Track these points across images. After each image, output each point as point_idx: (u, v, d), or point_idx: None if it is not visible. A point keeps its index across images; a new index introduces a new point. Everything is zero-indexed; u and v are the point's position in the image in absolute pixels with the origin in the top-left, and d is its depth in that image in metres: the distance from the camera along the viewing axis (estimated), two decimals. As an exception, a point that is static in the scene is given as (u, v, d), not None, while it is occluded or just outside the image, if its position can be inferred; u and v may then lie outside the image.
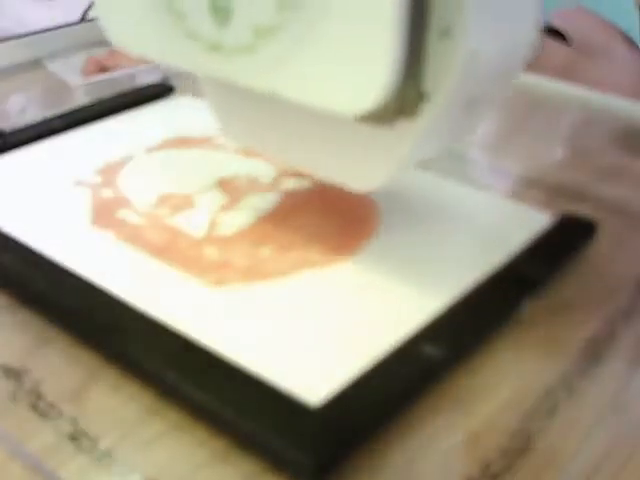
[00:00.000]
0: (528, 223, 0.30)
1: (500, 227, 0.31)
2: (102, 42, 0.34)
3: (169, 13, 0.25)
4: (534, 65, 0.57)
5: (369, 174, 0.26)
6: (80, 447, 0.21)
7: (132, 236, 0.30)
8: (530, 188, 0.35)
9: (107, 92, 0.42)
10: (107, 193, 0.33)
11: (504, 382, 0.24)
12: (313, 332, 0.25)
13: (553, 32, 0.60)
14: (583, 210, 0.31)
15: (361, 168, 0.26)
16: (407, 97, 0.22)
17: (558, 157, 0.39)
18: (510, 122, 0.44)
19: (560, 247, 0.29)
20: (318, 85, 0.22)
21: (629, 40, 0.63)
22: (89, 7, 0.58)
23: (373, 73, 0.21)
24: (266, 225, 0.31)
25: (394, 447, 0.21)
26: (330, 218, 0.31)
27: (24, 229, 0.30)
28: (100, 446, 0.21)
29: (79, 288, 0.27)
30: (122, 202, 0.32)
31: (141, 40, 0.27)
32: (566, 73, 0.55)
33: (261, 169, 0.35)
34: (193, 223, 0.31)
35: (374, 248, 0.29)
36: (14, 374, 0.24)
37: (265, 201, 0.32)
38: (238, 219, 0.31)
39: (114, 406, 0.23)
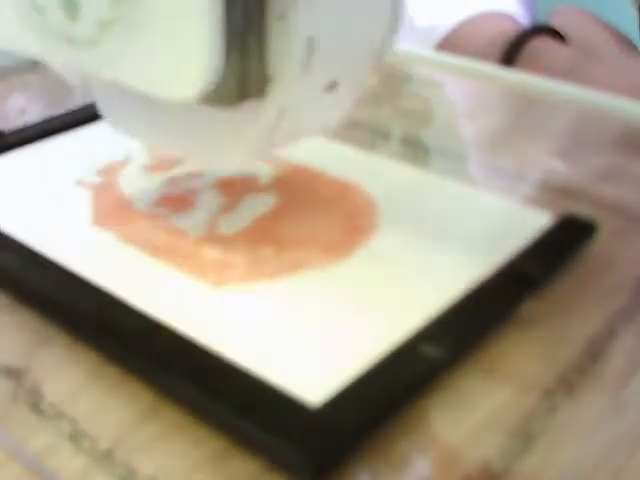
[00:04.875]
0: (528, 223, 0.30)
1: (500, 227, 0.31)
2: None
3: (32, 8, 0.26)
4: (535, 65, 0.57)
5: (230, 156, 0.28)
6: (80, 447, 0.21)
7: (132, 236, 0.30)
8: (530, 188, 0.35)
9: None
10: (107, 193, 0.33)
11: (504, 382, 0.24)
12: (313, 332, 0.25)
13: (551, 32, 0.60)
14: (583, 210, 0.31)
15: (223, 150, 0.28)
16: (251, 79, 0.24)
17: (558, 157, 0.39)
18: (510, 122, 0.44)
19: (560, 247, 0.29)
20: (152, 74, 0.24)
21: (626, 39, 0.63)
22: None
23: (194, 62, 0.23)
24: (266, 225, 0.31)
25: (394, 447, 0.21)
26: (330, 218, 0.31)
27: (24, 229, 0.30)
28: (100, 446, 0.21)
29: (79, 288, 0.27)
30: (122, 202, 0.32)
31: (10, 35, 0.28)
32: (566, 73, 0.55)
33: (261, 169, 0.35)
34: (193, 223, 0.31)
35: (374, 248, 0.29)
36: (14, 374, 0.24)
37: (265, 201, 0.32)
38: (238, 219, 0.31)
39: (114, 406, 0.23)
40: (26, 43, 0.27)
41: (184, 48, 0.23)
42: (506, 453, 0.21)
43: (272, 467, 0.21)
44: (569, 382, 0.24)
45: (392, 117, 0.43)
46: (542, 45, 0.59)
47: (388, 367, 0.23)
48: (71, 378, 0.24)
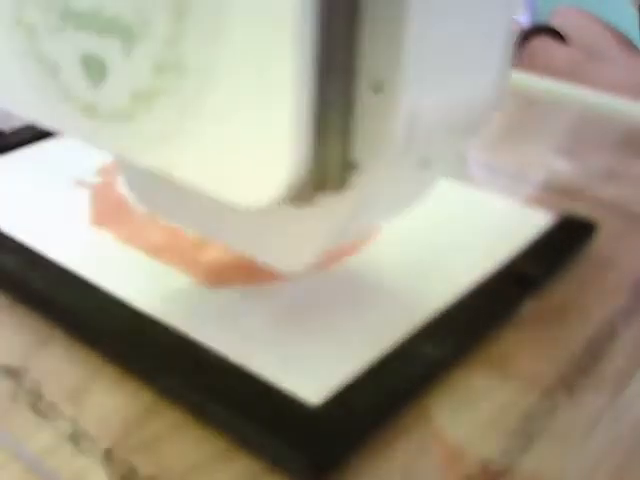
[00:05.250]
0: (528, 223, 0.30)
1: (500, 227, 0.31)
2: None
3: (38, 62, 0.20)
4: (534, 64, 0.57)
5: (295, 253, 0.22)
6: (80, 447, 0.21)
7: (132, 236, 0.30)
8: (530, 188, 0.35)
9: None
10: (106, 193, 0.33)
11: (504, 382, 0.24)
12: (313, 332, 0.25)
13: (551, 32, 0.60)
14: (583, 210, 0.31)
15: (285, 246, 0.22)
16: (330, 169, 0.18)
17: (558, 157, 0.39)
18: (510, 122, 0.44)
19: (560, 247, 0.29)
20: (207, 167, 0.18)
21: (626, 39, 0.63)
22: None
23: (271, 159, 0.17)
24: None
25: (394, 447, 0.21)
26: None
27: (24, 229, 0.30)
28: (100, 446, 0.21)
29: (79, 288, 0.27)
30: (121, 202, 0.32)
31: (7, 92, 0.22)
32: (565, 73, 0.55)
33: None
34: (193, 223, 0.30)
35: (374, 248, 0.29)
36: (14, 374, 0.24)
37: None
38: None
39: (114, 406, 0.23)
40: (30, 106, 0.21)
41: (258, 136, 0.17)
42: (506, 453, 0.21)
43: (272, 467, 0.21)
44: (569, 382, 0.24)
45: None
46: (541, 45, 0.59)
47: (388, 367, 0.23)
48: (71, 378, 0.24)
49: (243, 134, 0.17)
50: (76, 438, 0.22)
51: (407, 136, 0.18)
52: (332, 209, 0.20)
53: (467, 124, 0.22)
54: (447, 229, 0.31)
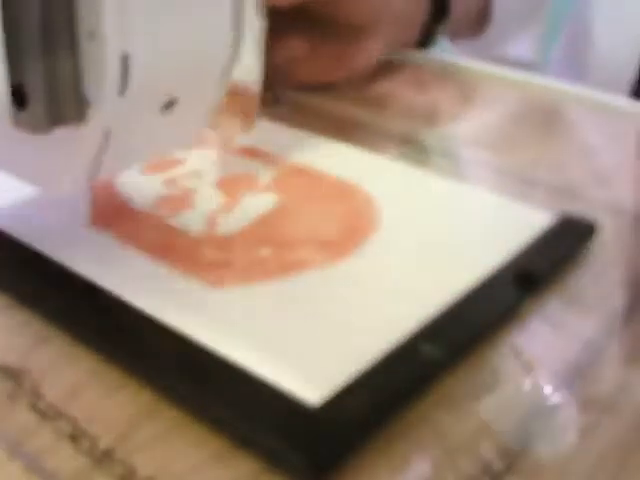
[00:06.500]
0: (528, 223, 0.30)
1: (500, 227, 0.31)
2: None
3: None
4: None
5: (57, 179, 0.27)
6: (80, 447, 0.21)
7: (132, 236, 0.30)
8: (530, 188, 0.35)
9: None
10: (106, 193, 0.33)
11: (504, 382, 0.24)
12: (313, 332, 0.25)
13: None
14: (583, 210, 0.31)
15: (49, 173, 0.27)
16: (65, 102, 0.23)
17: (558, 157, 0.39)
18: (510, 121, 0.44)
19: (560, 247, 0.29)
20: None
21: None
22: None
23: None
24: (266, 225, 0.31)
25: (394, 447, 0.21)
26: (330, 218, 0.31)
27: (24, 229, 0.30)
28: (100, 446, 0.21)
29: (78, 288, 0.27)
30: (121, 202, 0.32)
31: None
32: None
33: (261, 169, 0.35)
34: (192, 223, 0.31)
35: (374, 248, 0.29)
36: (13, 374, 0.24)
37: (265, 201, 0.32)
38: (238, 219, 0.31)
39: (114, 406, 0.23)
40: None
41: None
42: (506, 453, 0.21)
43: (272, 467, 0.21)
44: (569, 382, 0.24)
45: (392, 117, 0.43)
46: None
47: (388, 367, 0.23)
48: (71, 378, 0.24)
49: None
50: (76, 438, 0.22)
51: (122, 75, 0.23)
52: (78, 140, 0.25)
53: (210, 68, 0.27)
54: (446, 229, 0.31)
